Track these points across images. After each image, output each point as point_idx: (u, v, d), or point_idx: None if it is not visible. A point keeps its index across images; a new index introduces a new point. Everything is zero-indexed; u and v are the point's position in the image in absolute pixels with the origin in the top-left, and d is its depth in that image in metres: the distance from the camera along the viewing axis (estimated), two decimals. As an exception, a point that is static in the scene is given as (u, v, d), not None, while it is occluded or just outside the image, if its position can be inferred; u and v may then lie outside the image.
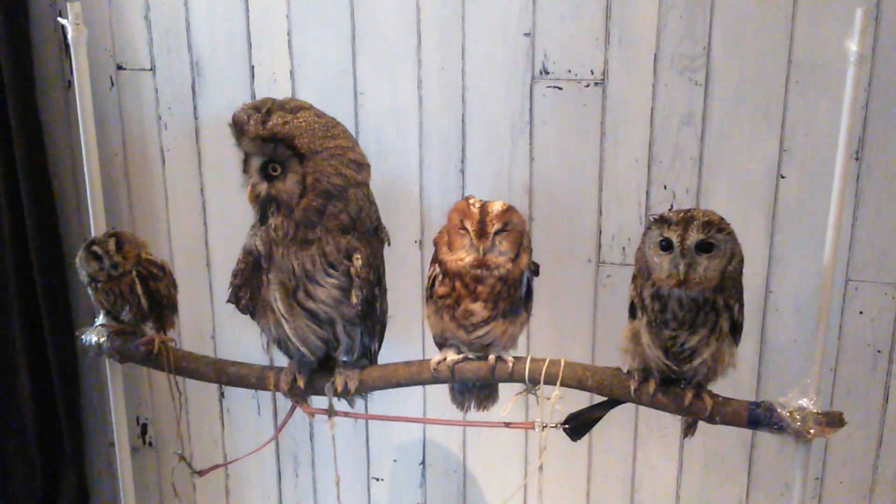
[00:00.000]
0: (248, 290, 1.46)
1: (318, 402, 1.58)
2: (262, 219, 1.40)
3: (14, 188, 2.03)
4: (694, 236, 1.27)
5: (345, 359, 1.53)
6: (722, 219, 1.29)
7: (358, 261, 1.40)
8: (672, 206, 1.79)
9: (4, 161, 2.01)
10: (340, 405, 1.58)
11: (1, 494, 2.29)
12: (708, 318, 1.32)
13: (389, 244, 1.50)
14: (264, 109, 1.34)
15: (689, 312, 1.32)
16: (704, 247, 1.28)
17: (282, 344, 1.50)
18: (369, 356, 1.56)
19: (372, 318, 1.48)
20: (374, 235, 1.45)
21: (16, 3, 1.95)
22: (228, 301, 1.49)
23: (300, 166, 1.35)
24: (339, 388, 1.52)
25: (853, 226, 1.72)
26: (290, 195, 1.36)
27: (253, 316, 1.50)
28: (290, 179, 1.36)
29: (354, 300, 1.41)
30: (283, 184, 1.36)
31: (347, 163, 1.38)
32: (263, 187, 1.37)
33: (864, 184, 1.70)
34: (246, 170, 1.38)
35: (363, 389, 1.55)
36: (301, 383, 1.53)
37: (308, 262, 1.39)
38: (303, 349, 1.47)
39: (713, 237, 1.27)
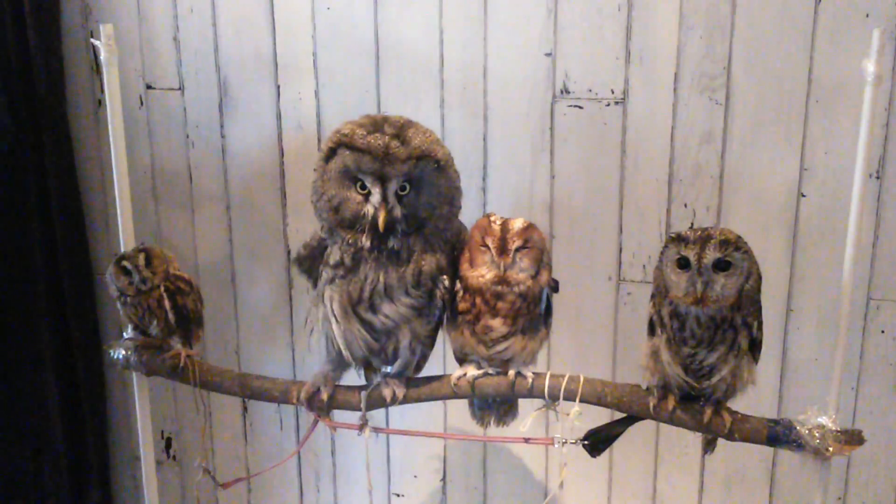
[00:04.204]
0: (309, 262, 1.45)
1: (340, 416, 1.59)
2: (379, 243, 1.34)
3: (45, 204, 2.07)
4: (711, 255, 1.28)
5: (388, 370, 1.52)
6: (739, 237, 1.30)
7: (446, 281, 1.40)
8: (692, 223, 1.79)
9: (37, 177, 2.05)
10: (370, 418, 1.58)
11: (29, 506, 2.31)
12: (726, 336, 1.33)
13: None
14: (390, 131, 1.29)
15: (708, 330, 1.32)
16: (721, 265, 1.29)
17: (327, 340, 1.48)
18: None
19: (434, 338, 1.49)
20: (451, 252, 1.44)
21: (49, 24, 2.00)
22: (294, 259, 1.48)
23: (439, 177, 1.35)
24: (388, 399, 1.50)
25: (874, 244, 1.72)
26: (426, 209, 1.35)
27: (311, 280, 1.47)
28: (429, 192, 1.34)
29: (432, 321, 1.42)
30: (418, 200, 1.34)
31: (454, 166, 1.39)
32: (398, 210, 1.33)
33: (885, 202, 1.69)
34: (384, 197, 1.31)
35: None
36: (325, 396, 1.52)
37: (394, 279, 1.36)
38: (345, 352, 1.45)
39: (730, 255, 1.28)
